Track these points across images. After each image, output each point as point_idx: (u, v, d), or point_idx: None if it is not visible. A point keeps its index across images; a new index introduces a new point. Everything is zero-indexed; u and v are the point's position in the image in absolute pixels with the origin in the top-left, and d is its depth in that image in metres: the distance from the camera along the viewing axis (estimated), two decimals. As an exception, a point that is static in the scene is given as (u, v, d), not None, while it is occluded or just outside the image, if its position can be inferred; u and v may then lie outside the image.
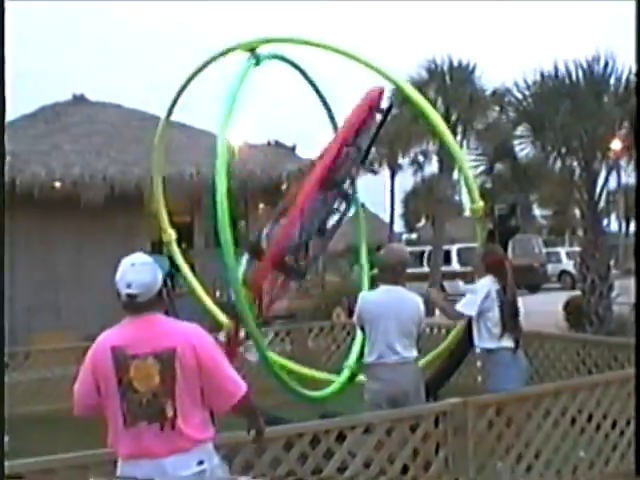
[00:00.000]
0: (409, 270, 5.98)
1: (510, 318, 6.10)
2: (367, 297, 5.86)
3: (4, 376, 4.39)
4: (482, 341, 6.19)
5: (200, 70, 7.26)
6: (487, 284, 6.17)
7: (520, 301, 6.34)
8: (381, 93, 7.08)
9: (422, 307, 5.77)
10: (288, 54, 7.40)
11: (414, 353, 5.69)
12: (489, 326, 6.09)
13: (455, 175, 30.71)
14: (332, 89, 8.00)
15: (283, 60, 7.42)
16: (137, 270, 3.47)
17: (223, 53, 7.09)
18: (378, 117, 7.00)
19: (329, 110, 7.97)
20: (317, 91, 7.89)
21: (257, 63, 6.85)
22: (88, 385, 3.49)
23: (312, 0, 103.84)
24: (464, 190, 28.14)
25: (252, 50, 6.86)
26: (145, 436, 3.40)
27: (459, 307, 6.23)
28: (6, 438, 4.87)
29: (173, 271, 9.87)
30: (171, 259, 9.91)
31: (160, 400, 3.39)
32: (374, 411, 5.33)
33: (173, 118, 7.96)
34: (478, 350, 6.63)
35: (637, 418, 5.46)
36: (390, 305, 5.61)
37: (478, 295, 6.13)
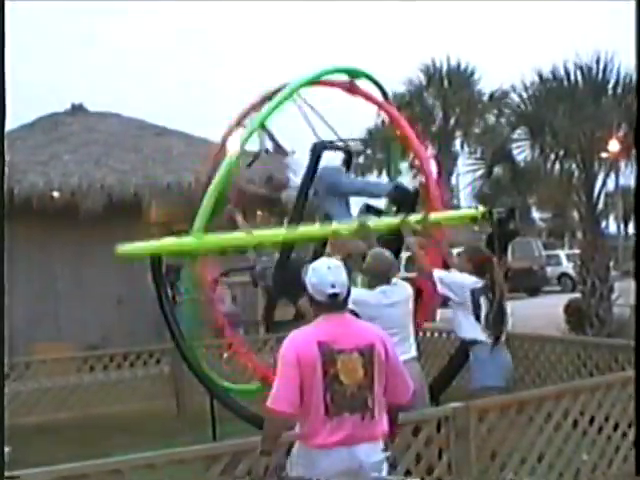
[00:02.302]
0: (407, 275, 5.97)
1: (495, 315, 5.99)
2: (367, 298, 5.57)
3: (4, 386, 4.37)
4: (461, 331, 6.23)
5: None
6: (472, 281, 6.11)
7: (509, 305, 6.30)
8: None
9: (411, 291, 5.86)
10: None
11: (415, 352, 5.76)
12: (470, 319, 6.05)
13: (453, 179, 30.84)
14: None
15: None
16: (334, 272, 3.78)
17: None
18: None
19: None
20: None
21: None
22: (295, 381, 3.64)
23: (310, 1, 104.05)
24: (462, 194, 28.19)
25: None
26: (346, 426, 3.66)
27: (435, 272, 6.18)
28: (8, 449, 4.86)
29: (172, 279, 9.91)
30: (174, 268, 9.89)
31: (364, 392, 3.69)
32: None
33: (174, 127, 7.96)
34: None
35: (637, 418, 5.46)
36: (393, 306, 5.61)
37: (460, 282, 6.10)
